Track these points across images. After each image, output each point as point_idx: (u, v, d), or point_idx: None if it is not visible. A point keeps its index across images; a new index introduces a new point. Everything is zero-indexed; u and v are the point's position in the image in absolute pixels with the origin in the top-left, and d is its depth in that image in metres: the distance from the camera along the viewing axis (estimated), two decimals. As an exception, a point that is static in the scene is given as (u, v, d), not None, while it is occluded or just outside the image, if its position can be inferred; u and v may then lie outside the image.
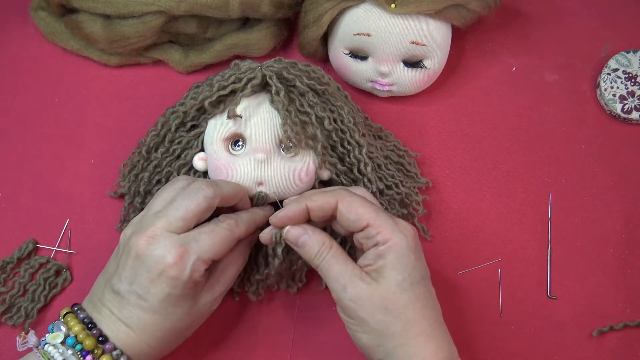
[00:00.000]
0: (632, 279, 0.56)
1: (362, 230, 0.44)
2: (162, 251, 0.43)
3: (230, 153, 0.51)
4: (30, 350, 0.44)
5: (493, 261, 0.57)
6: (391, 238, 0.43)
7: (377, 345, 0.43)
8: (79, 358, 0.42)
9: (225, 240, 0.46)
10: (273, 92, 0.50)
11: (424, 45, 0.56)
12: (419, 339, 0.42)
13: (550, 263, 0.57)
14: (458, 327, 0.55)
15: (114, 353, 0.43)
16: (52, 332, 0.44)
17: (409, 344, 0.42)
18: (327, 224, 0.48)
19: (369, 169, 0.52)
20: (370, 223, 0.44)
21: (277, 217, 0.46)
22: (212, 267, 0.47)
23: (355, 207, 0.44)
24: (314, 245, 0.45)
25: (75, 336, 0.43)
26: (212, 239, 0.45)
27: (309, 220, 0.47)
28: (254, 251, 0.53)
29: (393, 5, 0.54)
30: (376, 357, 0.44)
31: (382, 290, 0.43)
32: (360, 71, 0.58)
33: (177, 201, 0.45)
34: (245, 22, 0.61)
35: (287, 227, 0.46)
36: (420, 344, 0.42)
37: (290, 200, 0.49)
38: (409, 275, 0.43)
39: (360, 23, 0.55)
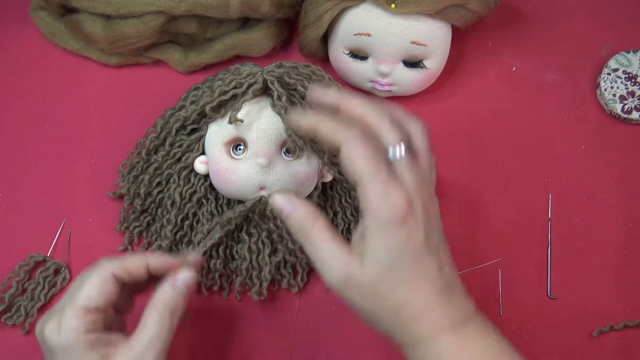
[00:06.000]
0: (632, 279, 0.56)
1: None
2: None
3: (232, 157, 0.51)
4: None
5: (493, 261, 0.57)
6: (375, 207, 0.35)
7: (374, 324, 0.39)
8: None
9: (102, 281, 0.41)
10: (275, 97, 0.50)
11: (424, 45, 0.56)
12: (417, 313, 0.37)
13: (550, 263, 0.57)
14: (458, 327, 0.55)
15: None
16: None
17: (402, 325, 0.38)
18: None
19: None
20: (360, 183, 0.35)
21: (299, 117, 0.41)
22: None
23: (354, 156, 0.36)
24: (296, 219, 0.40)
25: None
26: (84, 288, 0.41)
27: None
28: (256, 251, 0.53)
29: (393, 5, 0.54)
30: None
31: (368, 275, 0.36)
32: (360, 71, 0.58)
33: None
34: (245, 22, 0.61)
35: (274, 193, 0.41)
36: (415, 322, 0.37)
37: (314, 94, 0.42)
38: (402, 252, 0.36)
39: (360, 23, 0.55)
